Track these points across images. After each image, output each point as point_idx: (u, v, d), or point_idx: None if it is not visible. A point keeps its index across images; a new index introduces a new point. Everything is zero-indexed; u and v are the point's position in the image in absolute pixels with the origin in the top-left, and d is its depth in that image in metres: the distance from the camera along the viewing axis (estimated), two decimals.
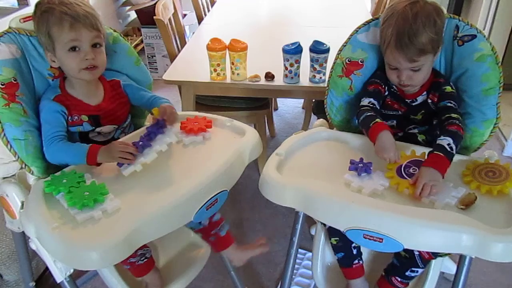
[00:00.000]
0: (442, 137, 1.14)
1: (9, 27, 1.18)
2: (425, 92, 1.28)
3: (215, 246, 1.42)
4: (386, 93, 1.32)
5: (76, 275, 1.17)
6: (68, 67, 1.16)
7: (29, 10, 1.16)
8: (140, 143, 1.16)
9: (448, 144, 1.12)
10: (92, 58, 1.14)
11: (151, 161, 1.14)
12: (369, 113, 1.24)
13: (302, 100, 3.06)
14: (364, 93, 1.32)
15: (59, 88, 1.21)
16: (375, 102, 1.29)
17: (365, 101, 1.29)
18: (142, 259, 1.25)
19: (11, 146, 1.10)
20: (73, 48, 1.13)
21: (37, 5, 1.14)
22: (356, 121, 1.29)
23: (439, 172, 1.08)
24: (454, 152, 1.12)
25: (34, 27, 1.15)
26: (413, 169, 1.13)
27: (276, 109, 3.08)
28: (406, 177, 1.11)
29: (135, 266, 1.24)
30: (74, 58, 1.14)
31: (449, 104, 1.22)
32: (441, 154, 1.11)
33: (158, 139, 1.20)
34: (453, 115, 1.19)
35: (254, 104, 2.20)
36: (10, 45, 1.15)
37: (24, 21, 1.19)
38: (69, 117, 1.20)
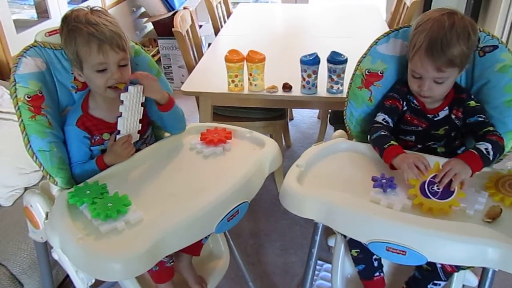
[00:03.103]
0: (480, 143, 1.14)
1: (35, 41, 1.20)
2: (446, 107, 1.27)
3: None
4: (405, 108, 1.31)
5: (95, 284, 1.17)
6: (94, 85, 1.19)
7: (50, 22, 1.18)
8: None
9: (486, 149, 1.11)
10: (118, 77, 1.16)
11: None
12: (383, 132, 1.23)
13: (318, 110, 3.06)
14: (380, 107, 1.32)
15: (81, 108, 1.23)
16: (389, 120, 1.28)
17: (379, 118, 1.29)
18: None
19: (36, 158, 1.12)
20: (101, 69, 1.15)
21: (63, 20, 1.15)
22: (369, 137, 1.28)
23: (469, 167, 1.07)
24: (490, 157, 1.11)
25: (62, 42, 1.18)
26: (437, 186, 1.07)
27: (291, 119, 3.08)
28: (430, 196, 1.06)
29: (156, 271, 1.26)
30: (101, 78, 1.16)
31: (480, 119, 1.21)
32: (476, 153, 1.10)
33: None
34: (490, 129, 1.19)
35: (271, 115, 2.20)
36: (36, 58, 1.17)
37: (50, 35, 1.21)
38: (92, 139, 1.22)
